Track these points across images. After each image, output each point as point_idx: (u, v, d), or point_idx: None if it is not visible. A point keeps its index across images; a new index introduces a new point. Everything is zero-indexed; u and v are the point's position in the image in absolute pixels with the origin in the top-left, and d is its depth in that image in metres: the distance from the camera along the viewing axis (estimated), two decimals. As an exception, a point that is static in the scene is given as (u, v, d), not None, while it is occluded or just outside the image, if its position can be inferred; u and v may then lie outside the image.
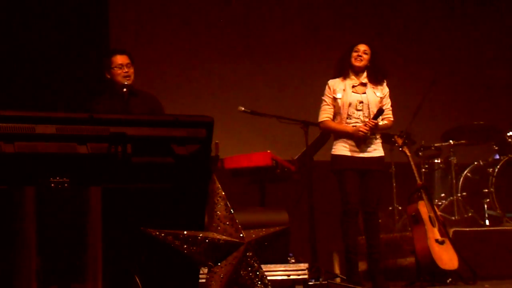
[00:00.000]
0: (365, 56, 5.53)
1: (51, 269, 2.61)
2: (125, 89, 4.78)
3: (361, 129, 5.42)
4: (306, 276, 4.92)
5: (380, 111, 5.43)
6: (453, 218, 7.10)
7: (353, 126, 5.47)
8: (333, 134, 5.69)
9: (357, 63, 5.53)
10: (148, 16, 7.79)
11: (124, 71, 4.89)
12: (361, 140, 5.46)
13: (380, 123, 5.50)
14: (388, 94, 5.62)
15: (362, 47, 5.55)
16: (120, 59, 4.92)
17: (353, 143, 5.48)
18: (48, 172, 2.60)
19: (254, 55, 8.03)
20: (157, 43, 7.72)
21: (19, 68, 6.81)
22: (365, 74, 5.56)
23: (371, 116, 5.45)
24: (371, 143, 5.50)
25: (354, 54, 5.54)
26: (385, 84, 5.62)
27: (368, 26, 8.27)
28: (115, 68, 4.91)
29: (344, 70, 5.58)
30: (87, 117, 2.73)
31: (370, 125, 5.41)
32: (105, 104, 4.89)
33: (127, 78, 4.87)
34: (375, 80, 5.55)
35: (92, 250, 2.65)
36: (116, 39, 7.30)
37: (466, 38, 8.64)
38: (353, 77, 5.56)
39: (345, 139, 5.50)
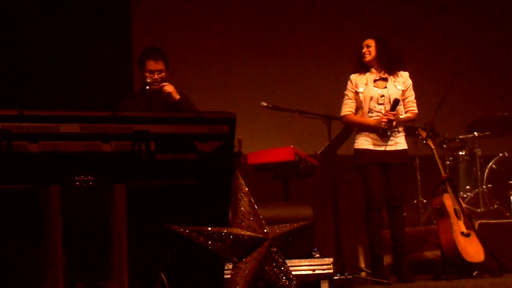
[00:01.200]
0: (369, 49, 5.56)
1: (77, 267, 2.64)
2: (147, 87, 4.87)
3: (383, 120, 5.41)
4: (331, 271, 4.90)
5: (396, 102, 5.43)
6: (479, 210, 7.06)
7: (374, 119, 5.47)
8: (355, 128, 5.69)
9: (365, 58, 5.57)
10: (169, 13, 7.81)
11: (154, 78, 4.94)
12: (384, 133, 5.45)
13: (403, 115, 5.49)
14: (411, 86, 5.60)
15: (364, 43, 5.60)
16: (153, 65, 4.97)
17: (375, 137, 5.47)
18: (73, 170, 2.62)
19: (276, 51, 8.02)
20: (179, 40, 7.73)
21: (42, 67, 6.86)
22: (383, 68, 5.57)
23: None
24: (394, 136, 5.49)
25: (362, 52, 5.59)
26: (407, 76, 5.61)
27: (390, 18, 8.23)
28: (146, 73, 4.98)
29: (360, 67, 5.61)
30: (111, 115, 2.74)
31: (389, 117, 5.40)
32: (130, 102, 4.99)
33: (155, 84, 4.92)
34: (389, 69, 5.54)
35: (117, 248, 2.67)
36: (138, 37, 7.34)
37: (490, 28, 8.56)
38: (374, 71, 5.57)
39: (367, 133, 5.50)
